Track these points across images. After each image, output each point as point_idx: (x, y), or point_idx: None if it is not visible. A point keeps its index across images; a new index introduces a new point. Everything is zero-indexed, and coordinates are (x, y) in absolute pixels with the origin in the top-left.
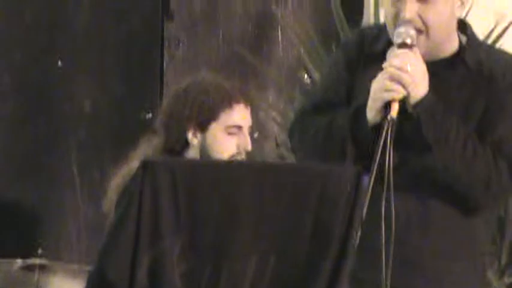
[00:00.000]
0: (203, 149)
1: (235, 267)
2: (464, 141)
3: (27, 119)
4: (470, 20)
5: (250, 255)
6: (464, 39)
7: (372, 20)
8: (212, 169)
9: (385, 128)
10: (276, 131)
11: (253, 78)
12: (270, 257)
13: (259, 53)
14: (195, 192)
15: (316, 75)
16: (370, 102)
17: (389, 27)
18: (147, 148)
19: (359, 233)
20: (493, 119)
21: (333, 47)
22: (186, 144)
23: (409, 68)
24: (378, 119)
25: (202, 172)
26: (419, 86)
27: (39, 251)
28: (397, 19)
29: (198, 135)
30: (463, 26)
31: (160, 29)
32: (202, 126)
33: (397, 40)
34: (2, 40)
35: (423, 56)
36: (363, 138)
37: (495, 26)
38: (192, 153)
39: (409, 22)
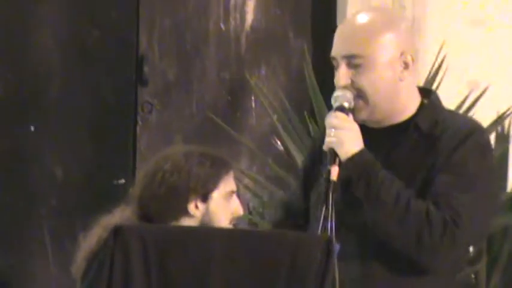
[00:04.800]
0: (204, 218)
1: None
2: (397, 196)
3: None
4: (443, 88)
5: None
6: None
7: None
8: (183, 235)
9: (326, 190)
10: (248, 197)
11: (226, 144)
12: None
13: (233, 120)
14: (165, 258)
15: (289, 142)
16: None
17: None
18: (119, 217)
19: None
20: (435, 174)
21: (306, 114)
22: (180, 215)
23: (332, 132)
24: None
25: (173, 238)
26: (346, 145)
27: None
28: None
29: (200, 206)
30: (427, 93)
31: (134, 94)
32: (205, 197)
33: (334, 104)
34: None
35: (371, 121)
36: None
37: (468, 95)
38: (190, 223)
39: (345, 87)
